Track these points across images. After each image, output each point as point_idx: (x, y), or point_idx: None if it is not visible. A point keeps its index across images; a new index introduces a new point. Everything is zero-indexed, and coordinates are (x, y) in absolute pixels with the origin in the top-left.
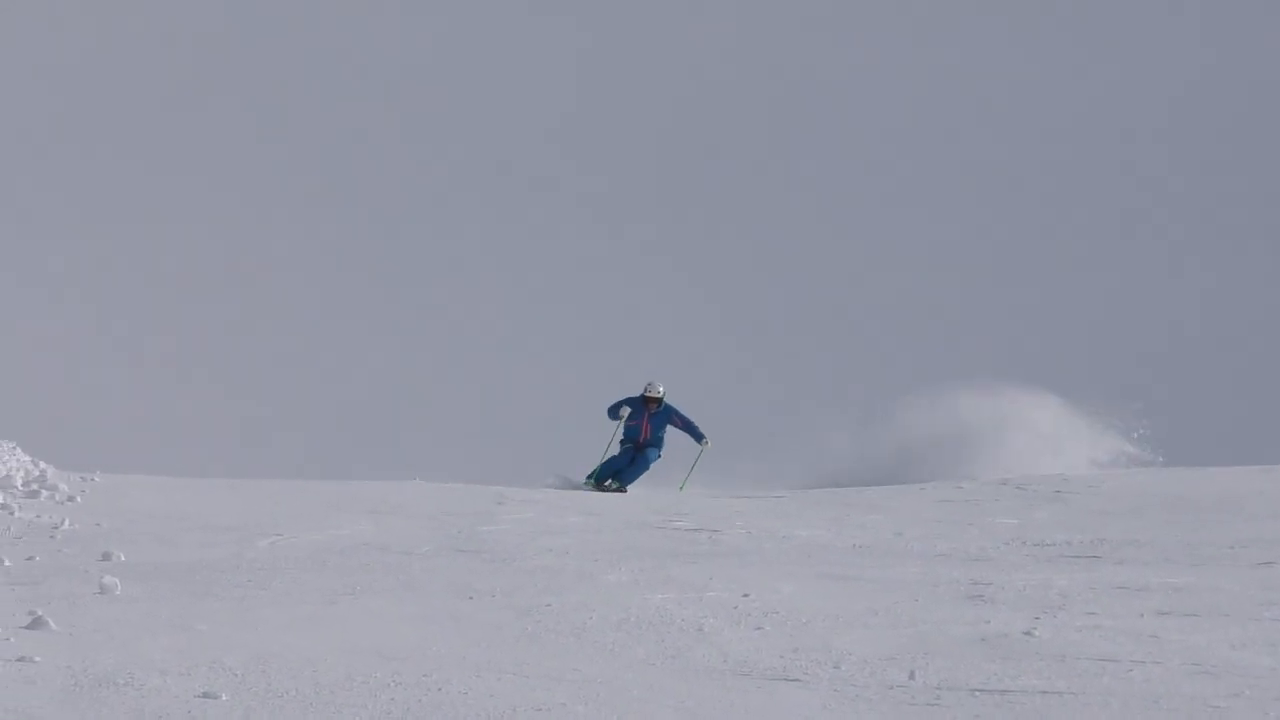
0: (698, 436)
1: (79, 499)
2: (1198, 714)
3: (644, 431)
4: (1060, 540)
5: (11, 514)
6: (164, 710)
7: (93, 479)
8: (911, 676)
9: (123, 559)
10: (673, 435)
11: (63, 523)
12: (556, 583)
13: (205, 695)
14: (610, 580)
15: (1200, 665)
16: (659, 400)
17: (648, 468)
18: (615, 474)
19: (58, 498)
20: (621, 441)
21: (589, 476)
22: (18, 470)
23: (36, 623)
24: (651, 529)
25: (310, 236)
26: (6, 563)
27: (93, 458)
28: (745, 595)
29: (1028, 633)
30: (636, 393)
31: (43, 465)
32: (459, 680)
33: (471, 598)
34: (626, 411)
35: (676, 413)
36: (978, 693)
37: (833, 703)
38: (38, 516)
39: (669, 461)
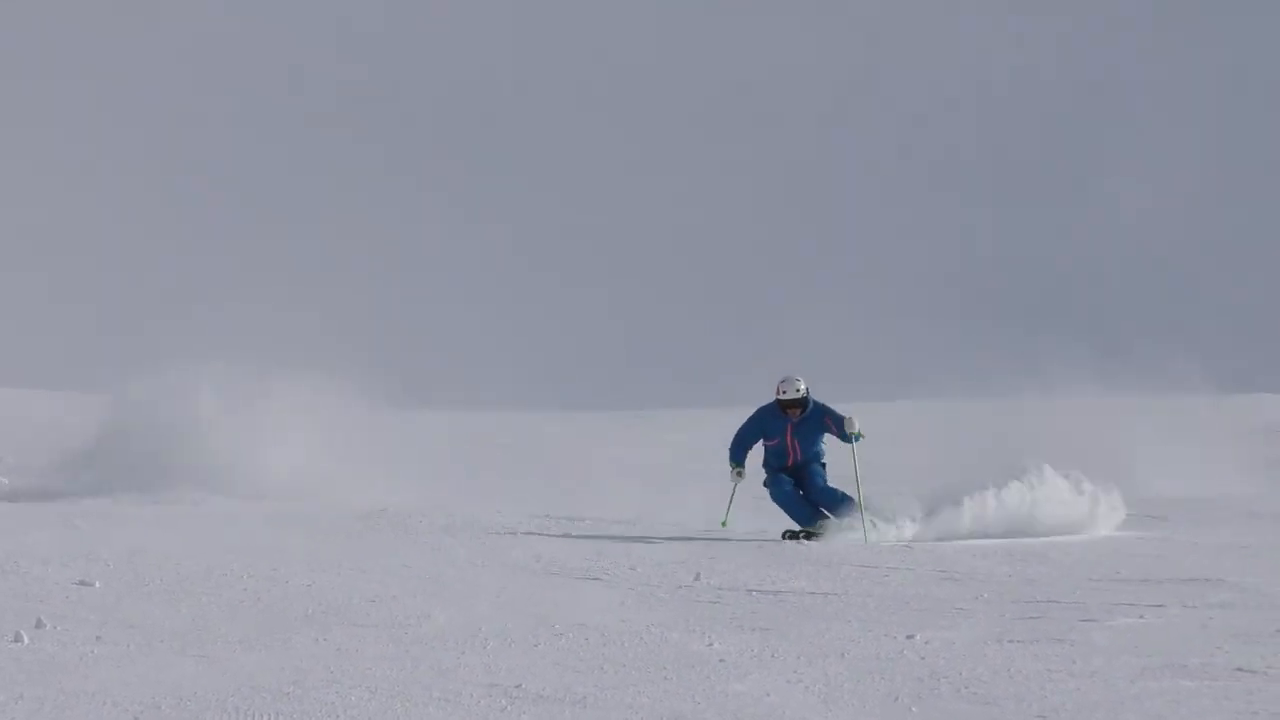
0: (845, 436)
1: None
2: (944, 613)
3: (791, 452)
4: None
5: None
6: (45, 594)
7: None
8: (697, 578)
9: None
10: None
11: None
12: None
13: (81, 583)
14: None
15: (947, 572)
16: (803, 403)
17: (833, 492)
18: (810, 513)
19: None
20: (766, 465)
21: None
22: None
23: None
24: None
25: None
26: None
27: None
28: None
29: (801, 543)
30: (765, 400)
31: None
32: (304, 574)
33: (317, 504)
34: (758, 447)
35: (828, 411)
36: (754, 592)
37: (630, 599)
38: None
39: None
